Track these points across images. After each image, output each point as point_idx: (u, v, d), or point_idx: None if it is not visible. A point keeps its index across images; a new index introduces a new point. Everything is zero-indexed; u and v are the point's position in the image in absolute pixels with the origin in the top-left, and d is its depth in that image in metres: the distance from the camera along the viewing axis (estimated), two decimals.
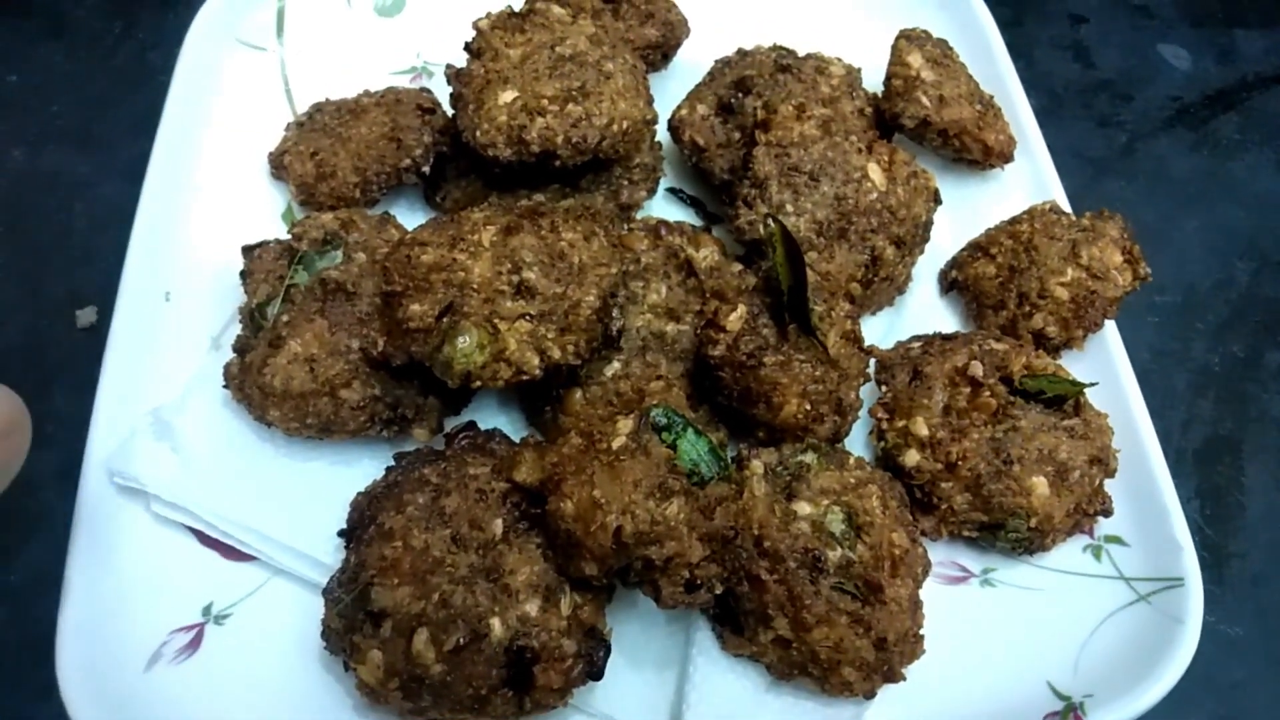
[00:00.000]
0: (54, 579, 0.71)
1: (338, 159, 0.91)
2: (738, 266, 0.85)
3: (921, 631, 0.71)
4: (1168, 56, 1.24)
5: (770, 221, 0.73)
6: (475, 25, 0.88)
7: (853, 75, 0.99)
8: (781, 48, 1.01)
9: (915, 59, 0.95)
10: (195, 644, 0.73)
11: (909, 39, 0.97)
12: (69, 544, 0.72)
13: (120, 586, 0.73)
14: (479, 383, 0.71)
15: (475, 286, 0.72)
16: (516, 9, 0.90)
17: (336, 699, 0.71)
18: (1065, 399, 0.79)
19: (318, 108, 0.98)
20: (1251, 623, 0.83)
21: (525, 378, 0.71)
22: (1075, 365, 0.86)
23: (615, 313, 0.77)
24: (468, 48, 0.88)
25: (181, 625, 0.73)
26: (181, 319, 0.87)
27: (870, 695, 0.70)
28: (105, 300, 0.86)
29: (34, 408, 0.90)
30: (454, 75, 0.87)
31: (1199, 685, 0.82)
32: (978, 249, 0.92)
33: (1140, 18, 1.28)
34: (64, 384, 0.90)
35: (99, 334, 0.84)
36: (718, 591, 0.66)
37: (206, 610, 0.74)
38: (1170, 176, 1.12)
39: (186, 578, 0.75)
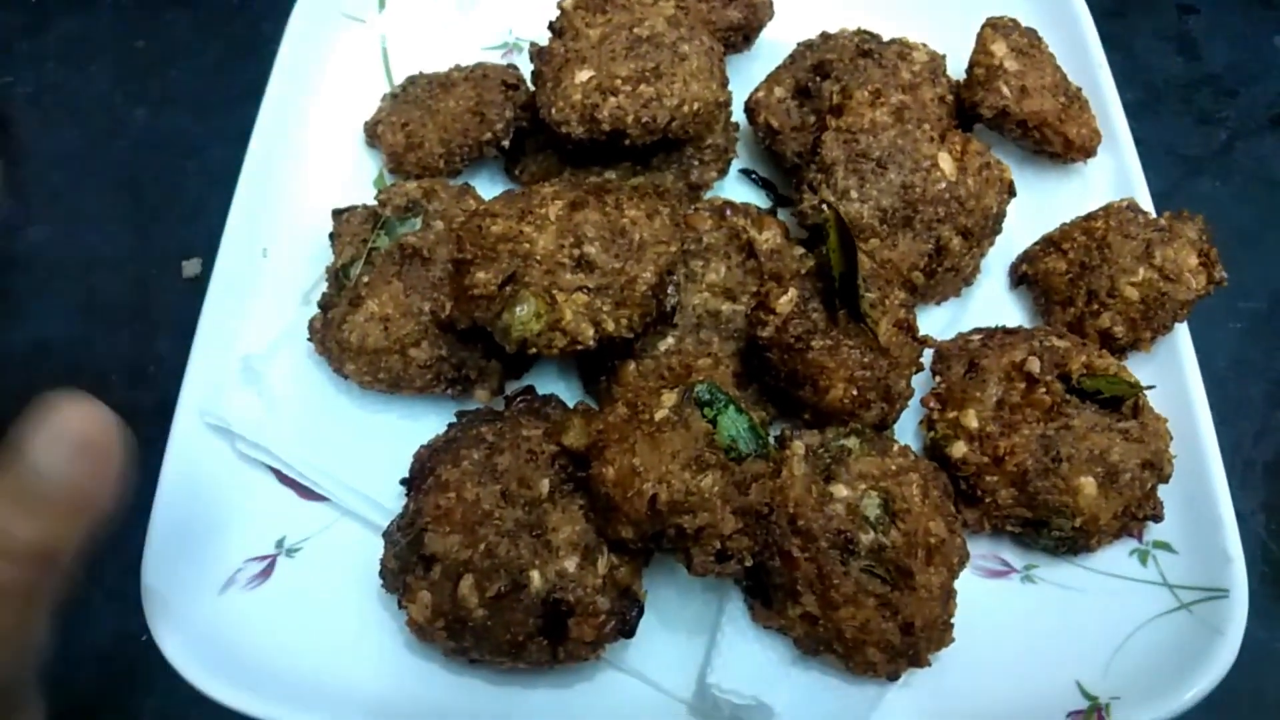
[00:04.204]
0: (149, 505, 0.77)
1: (426, 130, 0.95)
2: (799, 250, 0.86)
3: (952, 620, 0.72)
4: None
5: (825, 208, 0.74)
6: (559, 4, 0.91)
7: (936, 62, 0.98)
8: (865, 32, 1.00)
9: (999, 48, 0.94)
10: (267, 573, 0.79)
11: (994, 27, 0.96)
12: (159, 475, 0.79)
13: (203, 516, 0.79)
14: (535, 349, 0.75)
15: (538, 258, 0.76)
16: None
17: (390, 634, 0.76)
18: (1123, 400, 0.78)
19: (411, 80, 1.03)
20: None
21: (580, 347, 0.75)
22: (1141, 367, 0.84)
23: (671, 290, 0.79)
24: (551, 26, 0.91)
25: (256, 555, 0.79)
26: (276, 274, 0.93)
27: (894, 677, 0.71)
28: (210, 253, 0.91)
29: (139, 350, 0.99)
30: (536, 53, 0.90)
31: (1246, 700, 0.80)
32: (1050, 244, 0.90)
33: (1257, 8, 1.21)
34: (168, 329, 0.97)
35: (202, 285, 0.90)
36: (748, 564, 0.69)
37: (279, 543, 0.80)
38: (1270, 178, 1.07)
39: (263, 512, 0.81)
